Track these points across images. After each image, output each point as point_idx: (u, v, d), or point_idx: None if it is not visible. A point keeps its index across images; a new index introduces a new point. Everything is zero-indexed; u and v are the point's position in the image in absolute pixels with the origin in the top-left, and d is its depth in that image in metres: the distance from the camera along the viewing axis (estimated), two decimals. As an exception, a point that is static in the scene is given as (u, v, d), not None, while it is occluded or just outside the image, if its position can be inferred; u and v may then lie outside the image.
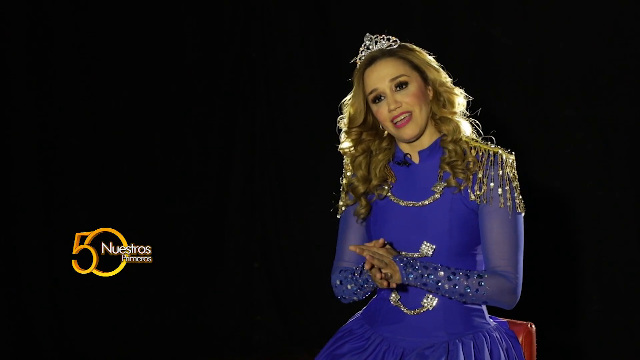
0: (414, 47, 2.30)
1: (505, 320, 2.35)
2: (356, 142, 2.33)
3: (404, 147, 2.30)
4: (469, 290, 2.15)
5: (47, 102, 4.42)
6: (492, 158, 2.23)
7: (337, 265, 2.37)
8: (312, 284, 4.63)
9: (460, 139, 2.25)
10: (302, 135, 4.67)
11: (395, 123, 2.22)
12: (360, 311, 2.41)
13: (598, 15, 3.89)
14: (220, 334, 4.69)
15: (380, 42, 2.29)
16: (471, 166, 2.22)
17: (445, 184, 2.23)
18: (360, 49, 2.32)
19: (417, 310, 2.24)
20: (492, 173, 2.21)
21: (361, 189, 2.31)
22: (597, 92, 3.91)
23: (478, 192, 2.21)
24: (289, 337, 4.72)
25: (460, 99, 2.29)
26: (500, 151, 2.24)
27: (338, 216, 2.40)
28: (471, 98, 2.32)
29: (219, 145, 4.74)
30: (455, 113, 2.27)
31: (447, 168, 2.23)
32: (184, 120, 4.67)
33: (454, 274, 2.16)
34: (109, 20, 4.51)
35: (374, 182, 2.29)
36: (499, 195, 2.20)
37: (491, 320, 2.31)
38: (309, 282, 4.66)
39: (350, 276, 2.30)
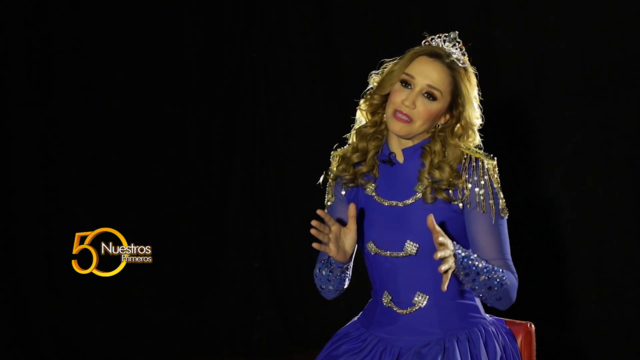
0: (473, 76, 2.27)
1: (502, 319, 2.35)
2: (373, 109, 2.32)
3: (392, 144, 2.30)
4: (496, 282, 2.16)
5: (47, 101, 4.42)
6: (474, 164, 2.24)
7: (319, 259, 2.42)
8: (312, 284, 4.61)
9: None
10: (302, 135, 4.67)
11: (395, 113, 2.23)
12: (357, 316, 2.43)
13: (598, 15, 3.89)
14: (220, 334, 4.69)
15: (453, 49, 2.26)
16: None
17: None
18: (436, 35, 2.31)
19: (409, 309, 2.25)
20: (475, 178, 2.22)
21: (355, 159, 2.32)
22: (597, 92, 3.91)
23: (461, 197, 2.22)
24: (289, 337, 4.72)
25: (474, 138, 2.29)
26: (481, 157, 2.24)
27: None
28: (483, 137, 2.31)
29: (219, 145, 4.74)
30: (460, 145, 2.26)
31: (426, 175, 2.25)
32: (185, 120, 4.67)
33: (486, 267, 2.15)
34: (109, 20, 4.51)
35: (363, 169, 2.30)
36: (482, 200, 2.21)
37: (487, 315, 2.32)
38: (309, 282, 4.63)
39: (324, 261, 2.36)
